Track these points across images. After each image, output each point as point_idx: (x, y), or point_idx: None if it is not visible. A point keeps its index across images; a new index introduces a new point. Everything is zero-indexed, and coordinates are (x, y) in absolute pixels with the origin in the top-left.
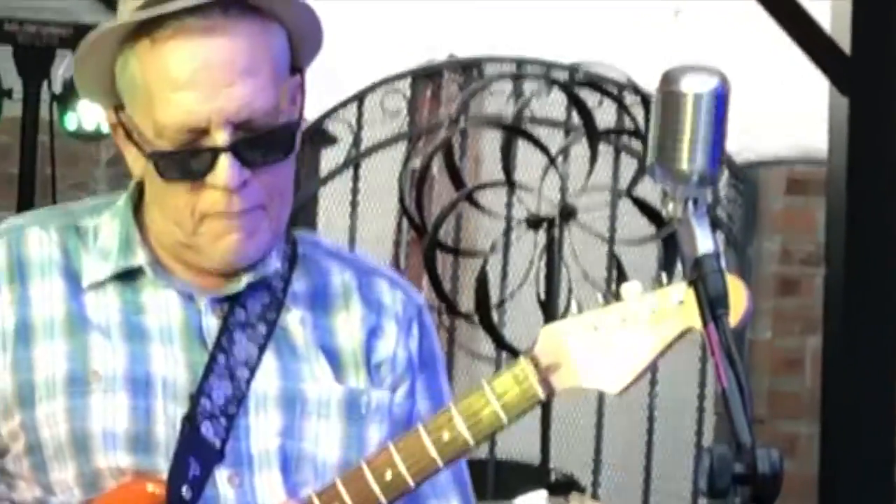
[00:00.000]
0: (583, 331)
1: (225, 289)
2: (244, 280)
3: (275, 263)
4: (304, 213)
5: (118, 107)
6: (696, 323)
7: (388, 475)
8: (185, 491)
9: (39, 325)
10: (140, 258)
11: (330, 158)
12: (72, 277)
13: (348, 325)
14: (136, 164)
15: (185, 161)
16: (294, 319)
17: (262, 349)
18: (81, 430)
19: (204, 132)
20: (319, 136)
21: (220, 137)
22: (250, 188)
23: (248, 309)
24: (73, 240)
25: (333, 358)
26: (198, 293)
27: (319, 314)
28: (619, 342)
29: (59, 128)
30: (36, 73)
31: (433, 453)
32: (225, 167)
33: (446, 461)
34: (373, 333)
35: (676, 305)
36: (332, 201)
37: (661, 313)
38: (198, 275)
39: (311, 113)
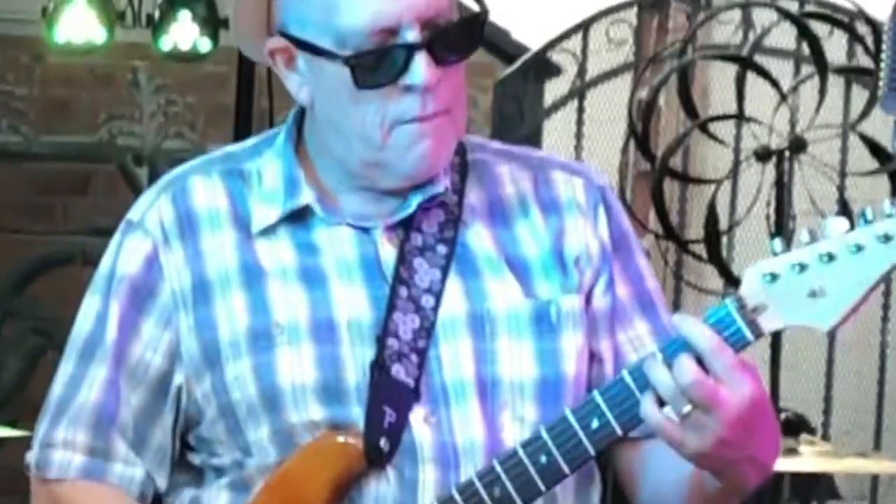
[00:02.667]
0: (789, 270)
1: (397, 214)
2: (415, 202)
3: (445, 180)
4: (528, 145)
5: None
6: None
7: (595, 424)
8: (383, 442)
9: (216, 281)
10: (307, 196)
11: (554, 89)
12: (241, 225)
13: (530, 233)
14: (302, 91)
15: (378, 64)
16: (474, 235)
17: (444, 272)
18: (270, 387)
19: (393, 32)
20: (543, 66)
21: (412, 35)
22: (441, 89)
23: (425, 231)
24: (238, 184)
25: (519, 270)
26: (370, 224)
27: (499, 226)
28: (825, 281)
29: None
30: None
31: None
32: (421, 65)
33: None
34: (557, 235)
35: (884, 242)
36: (556, 133)
37: (869, 250)
38: (369, 204)
39: (534, 43)
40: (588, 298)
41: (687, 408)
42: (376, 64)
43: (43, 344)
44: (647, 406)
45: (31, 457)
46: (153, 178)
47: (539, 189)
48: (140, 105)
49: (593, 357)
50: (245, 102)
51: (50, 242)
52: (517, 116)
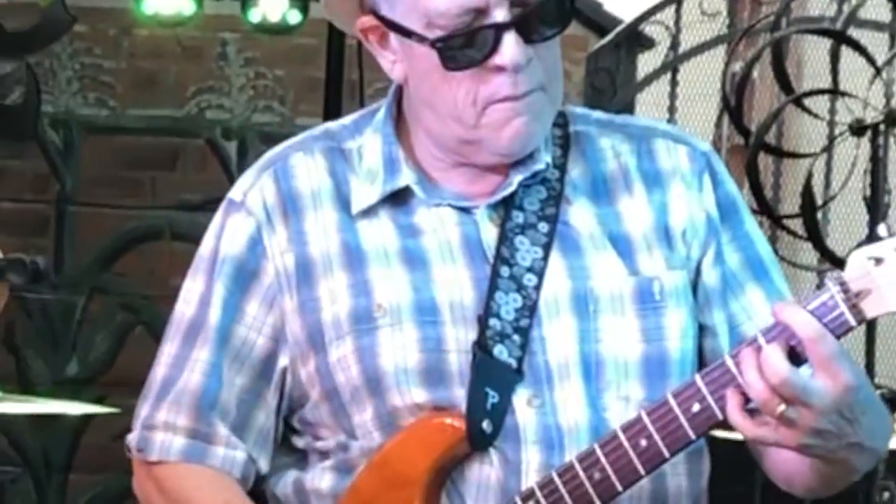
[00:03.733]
0: (893, 254)
1: (498, 193)
2: (516, 180)
3: (545, 156)
4: None
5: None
6: None
7: (696, 407)
8: (486, 425)
9: (318, 262)
10: (407, 177)
11: (647, 62)
12: (342, 205)
13: (633, 209)
14: (395, 69)
15: (468, 44)
16: (576, 212)
17: (546, 250)
18: (373, 370)
19: (482, 12)
20: (636, 39)
21: (501, 14)
22: (532, 68)
23: (526, 209)
24: (340, 163)
25: (622, 247)
26: (471, 203)
27: (601, 202)
28: None
29: None
30: None
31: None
32: (510, 45)
33: None
34: (661, 209)
35: None
36: (649, 106)
37: None
38: (469, 183)
39: (627, 15)
40: (697, 271)
41: (780, 408)
42: (465, 45)
43: (131, 320)
44: (732, 412)
45: (133, 438)
46: (242, 152)
47: (642, 162)
48: (229, 78)
49: (706, 331)
50: (335, 75)
51: (138, 217)
52: (609, 90)
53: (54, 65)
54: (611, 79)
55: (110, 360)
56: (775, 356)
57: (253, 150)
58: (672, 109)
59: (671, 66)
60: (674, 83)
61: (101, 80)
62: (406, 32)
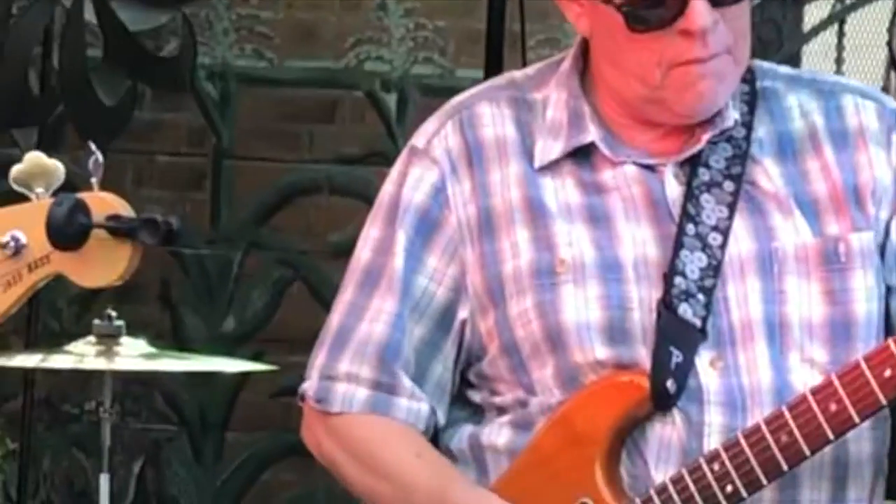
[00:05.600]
0: None
1: (684, 151)
2: (704, 137)
3: (733, 114)
4: None
5: None
6: None
7: (888, 373)
8: (670, 384)
9: (501, 215)
10: (592, 133)
11: (814, 13)
12: (526, 157)
13: (820, 169)
14: (580, 21)
15: (654, 6)
16: (761, 171)
17: (731, 209)
18: (555, 325)
19: None
20: None
21: None
22: (718, 31)
23: (712, 167)
24: (525, 113)
25: (807, 208)
26: (656, 160)
27: (788, 162)
28: None
29: None
30: None
31: None
32: (696, 9)
33: None
34: (848, 169)
35: None
36: (815, 57)
37: None
38: (655, 140)
39: None
40: (886, 232)
41: None
42: (651, 8)
43: (288, 276)
44: None
45: (309, 388)
46: (401, 105)
47: (830, 120)
48: (388, 29)
49: (893, 293)
50: (496, 26)
51: (295, 171)
52: (776, 41)
53: (210, 16)
54: (777, 30)
55: (267, 316)
56: None
57: (413, 102)
58: (839, 61)
59: (838, 16)
60: (840, 34)
61: (258, 32)
62: None
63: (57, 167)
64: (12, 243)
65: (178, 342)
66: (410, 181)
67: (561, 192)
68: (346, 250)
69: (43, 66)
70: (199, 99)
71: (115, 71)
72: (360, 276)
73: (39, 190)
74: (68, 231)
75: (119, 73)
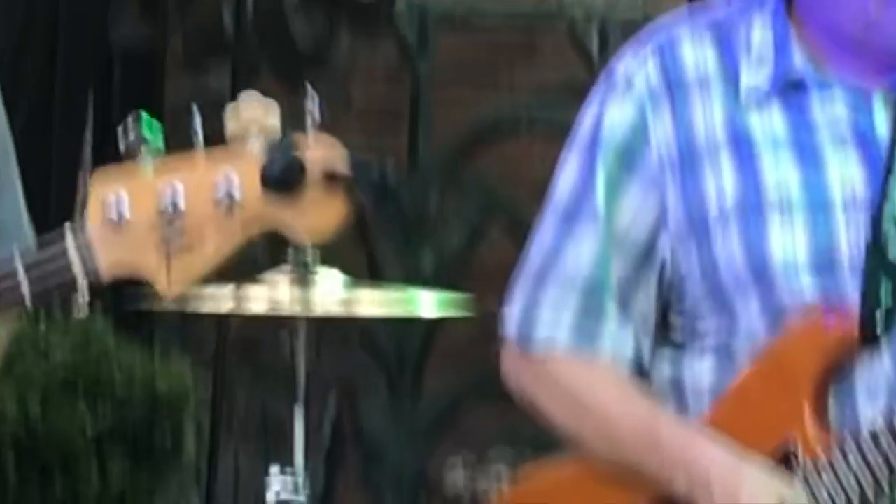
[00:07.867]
0: None
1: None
2: None
3: None
4: None
5: None
6: None
7: None
8: (879, 323)
9: (704, 149)
10: (799, 63)
11: None
12: (731, 89)
13: None
14: None
15: None
16: None
17: None
18: (761, 261)
19: None
20: None
21: None
22: None
23: None
24: (727, 44)
25: None
26: (866, 90)
27: None
28: None
29: None
30: None
31: None
32: None
33: None
34: None
35: None
36: None
37: None
38: (865, 69)
39: None
40: None
41: None
42: None
43: (487, 213)
44: None
45: (511, 326)
46: (603, 42)
47: None
48: None
49: None
50: None
51: (495, 109)
52: None
53: None
54: None
55: (466, 255)
56: None
57: (614, 39)
58: None
59: None
60: None
61: None
62: None
63: (275, 126)
64: (226, 200)
65: (373, 279)
66: (610, 114)
67: (768, 126)
68: (544, 187)
69: (237, 5)
70: (398, 38)
71: (311, 11)
72: (561, 210)
73: (253, 138)
74: (286, 183)
75: (315, 12)
